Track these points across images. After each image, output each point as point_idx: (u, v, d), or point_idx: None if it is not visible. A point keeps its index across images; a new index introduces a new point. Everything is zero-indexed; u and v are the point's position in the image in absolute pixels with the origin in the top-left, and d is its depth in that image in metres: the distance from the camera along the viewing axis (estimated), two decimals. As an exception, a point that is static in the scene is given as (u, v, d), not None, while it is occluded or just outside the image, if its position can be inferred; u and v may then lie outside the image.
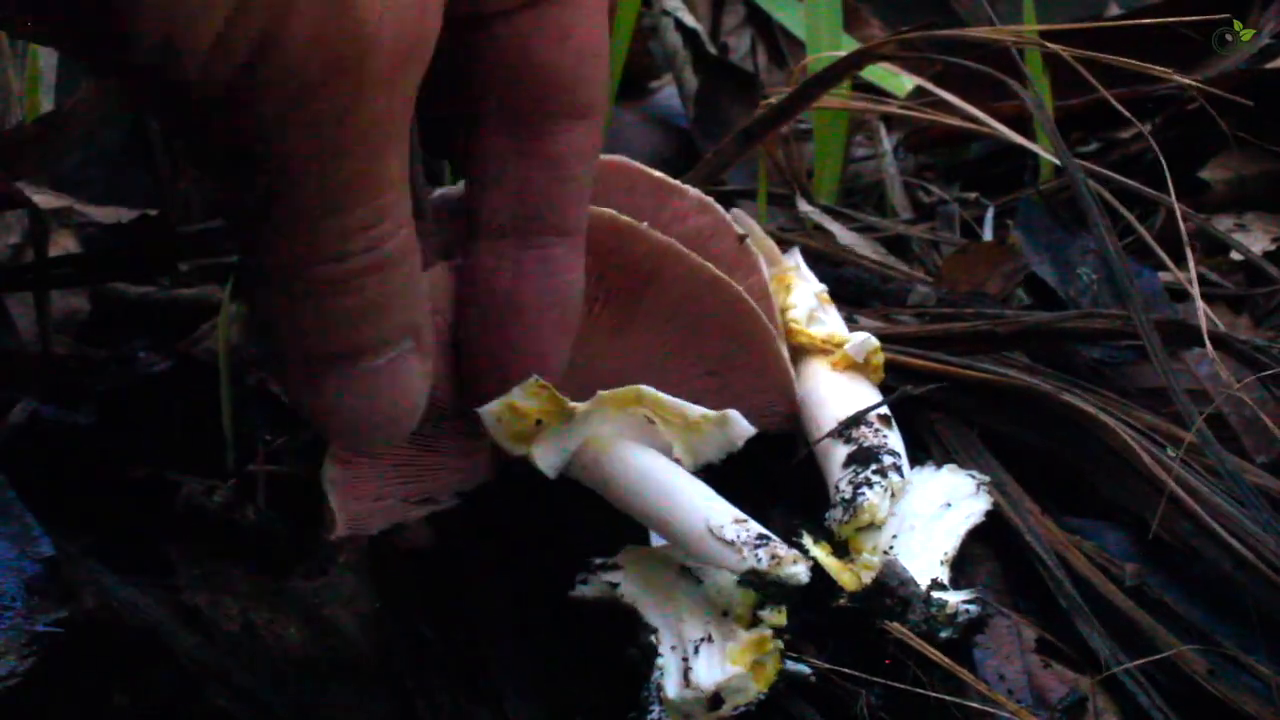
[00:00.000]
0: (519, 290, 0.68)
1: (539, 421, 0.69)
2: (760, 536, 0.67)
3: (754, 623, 0.66)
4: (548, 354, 0.69)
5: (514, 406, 0.68)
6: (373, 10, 0.53)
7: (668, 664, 0.66)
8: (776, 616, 0.66)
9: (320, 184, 0.56)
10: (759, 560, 0.66)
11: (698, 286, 0.75)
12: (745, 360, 0.80)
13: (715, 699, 0.65)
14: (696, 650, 0.66)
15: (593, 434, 0.71)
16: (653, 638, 0.66)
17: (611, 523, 0.74)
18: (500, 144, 0.67)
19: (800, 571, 0.66)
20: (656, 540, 0.73)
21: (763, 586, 0.66)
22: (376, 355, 0.61)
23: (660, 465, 0.71)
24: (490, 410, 0.68)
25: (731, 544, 0.67)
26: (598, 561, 0.71)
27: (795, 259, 0.89)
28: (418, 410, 0.64)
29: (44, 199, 0.98)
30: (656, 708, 0.66)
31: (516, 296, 0.68)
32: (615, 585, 0.70)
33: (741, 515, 0.69)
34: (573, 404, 0.69)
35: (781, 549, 0.67)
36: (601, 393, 0.70)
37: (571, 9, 0.66)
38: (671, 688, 0.66)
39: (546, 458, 0.70)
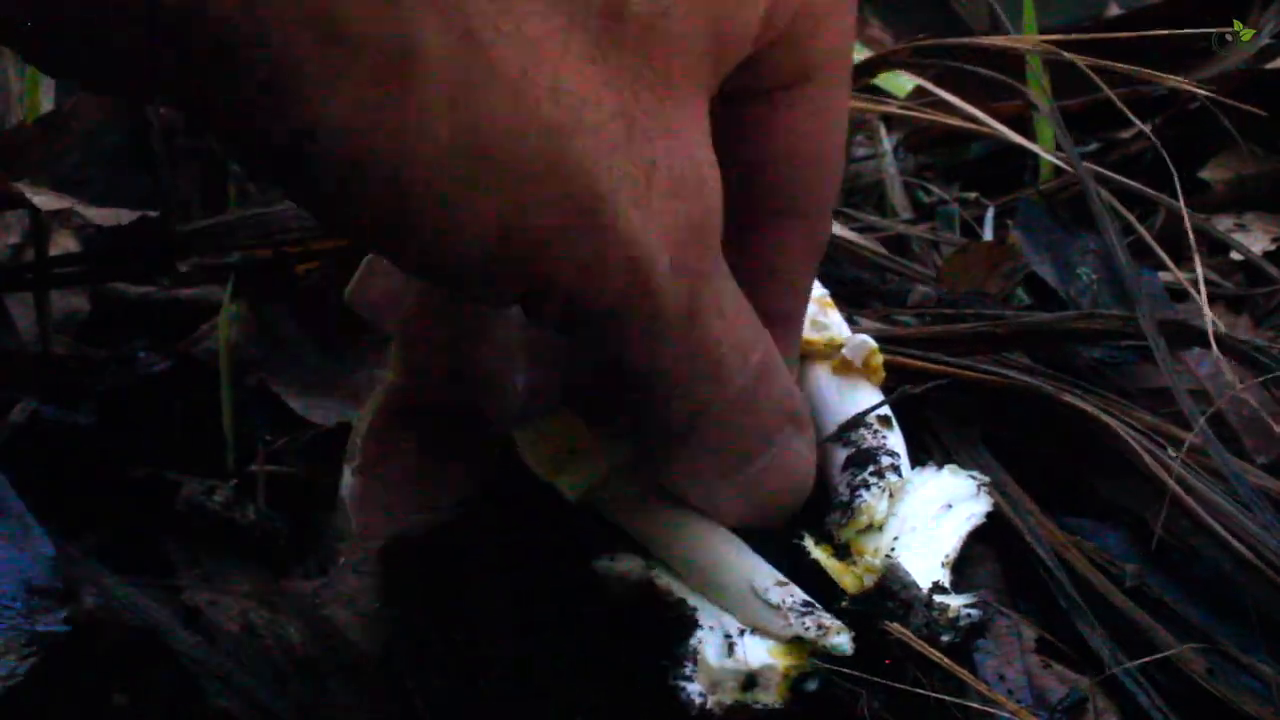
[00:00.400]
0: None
1: (572, 450, 0.70)
2: (805, 604, 0.68)
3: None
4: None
5: (546, 435, 0.70)
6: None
7: (709, 636, 0.66)
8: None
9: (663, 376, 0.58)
10: (805, 629, 0.67)
11: None
12: None
13: (750, 680, 0.65)
14: (741, 633, 0.67)
15: (623, 468, 0.71)
16: (695, 614, 0.66)
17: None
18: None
19: (844, 642, 0.67)
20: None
21: (809, 653, 0.67)
22: (766, 453, 0.65)
23: (696, 515, 0.70)
24: (524, 435, 0.71)
25: (777, 608, 0.67)
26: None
27: (796, 261, 0.89)
28: (811, 479, 0.69)
29: (44, 199, 0.98)
30: (690, 665, 0.65)
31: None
32: (651, 566, 0.69)
33: (783, 578, 0.69)
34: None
35: (826, 619, 0.67)
36: None
37: (833, 91, 0.64)
38: (712, 654, 0.65)
39: (576, 488, 0.71)
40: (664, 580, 0.68)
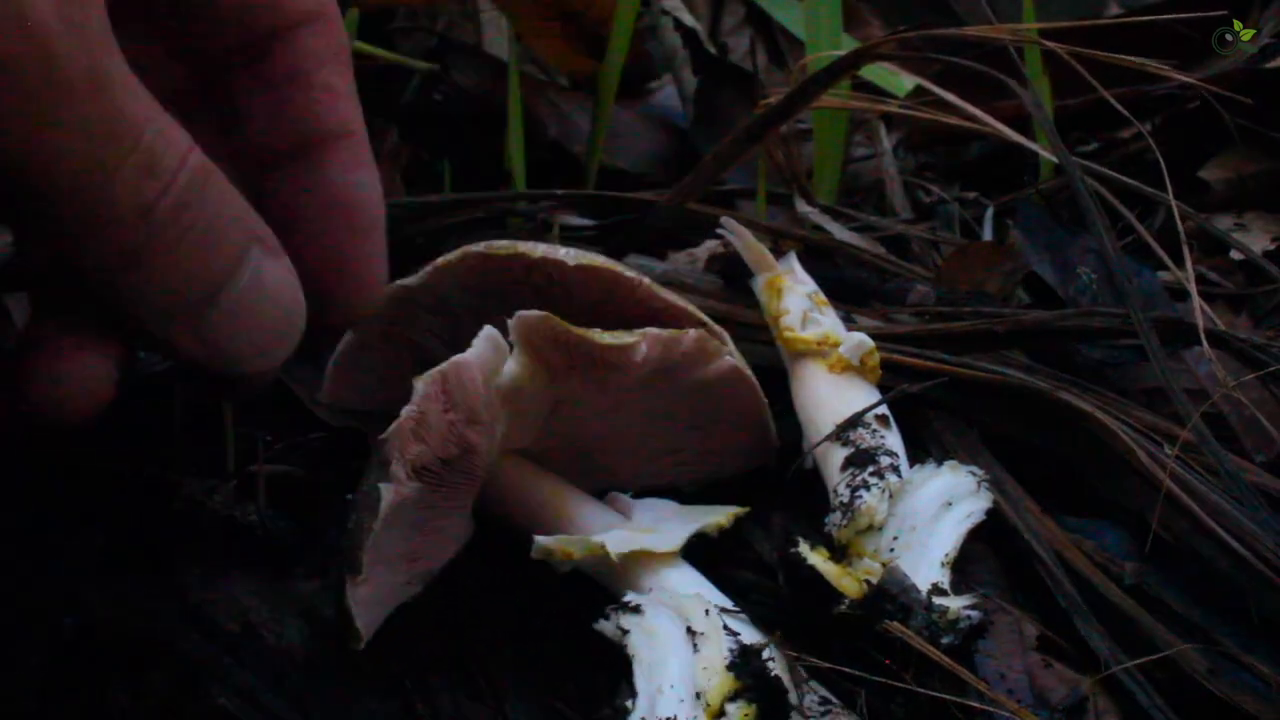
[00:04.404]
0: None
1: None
2: (823, 700, 0.70)
3: (719, 714, 0.67)
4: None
5: (556, 550, 0.74)
6: None
7: (641, 695, 0.68)
8: (742, 715, 0.67)
9: (64, 157, 0.54)
10: None
11: (689, 355, 0.78)
12: (728, 417, 0.84)
13: None
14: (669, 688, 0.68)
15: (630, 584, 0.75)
16: (629, 703, 0.68)
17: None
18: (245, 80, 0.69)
19: None
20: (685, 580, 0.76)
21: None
22: (235, 278, 0.61)
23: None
24: (542, 545, 0.74)
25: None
26: (627, 598, 0.73)
27: (790, 263, 0.89)
28: (302, 306, 0.65)
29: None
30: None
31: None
32: (626, 632, 0.71)
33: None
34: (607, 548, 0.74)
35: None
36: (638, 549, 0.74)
37: None
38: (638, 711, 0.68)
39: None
40: (631, 649, 0.70)
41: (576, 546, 0.74)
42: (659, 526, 0.77)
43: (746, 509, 0.81)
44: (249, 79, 0.69)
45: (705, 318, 0.81)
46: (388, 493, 0.69)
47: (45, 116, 0.53)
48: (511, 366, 0.72)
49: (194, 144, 0.59)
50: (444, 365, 0.70)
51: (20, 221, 0.59)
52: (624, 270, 0.78)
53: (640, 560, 0.74)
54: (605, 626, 0.72)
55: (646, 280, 0.78)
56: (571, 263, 0.76)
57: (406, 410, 0.69)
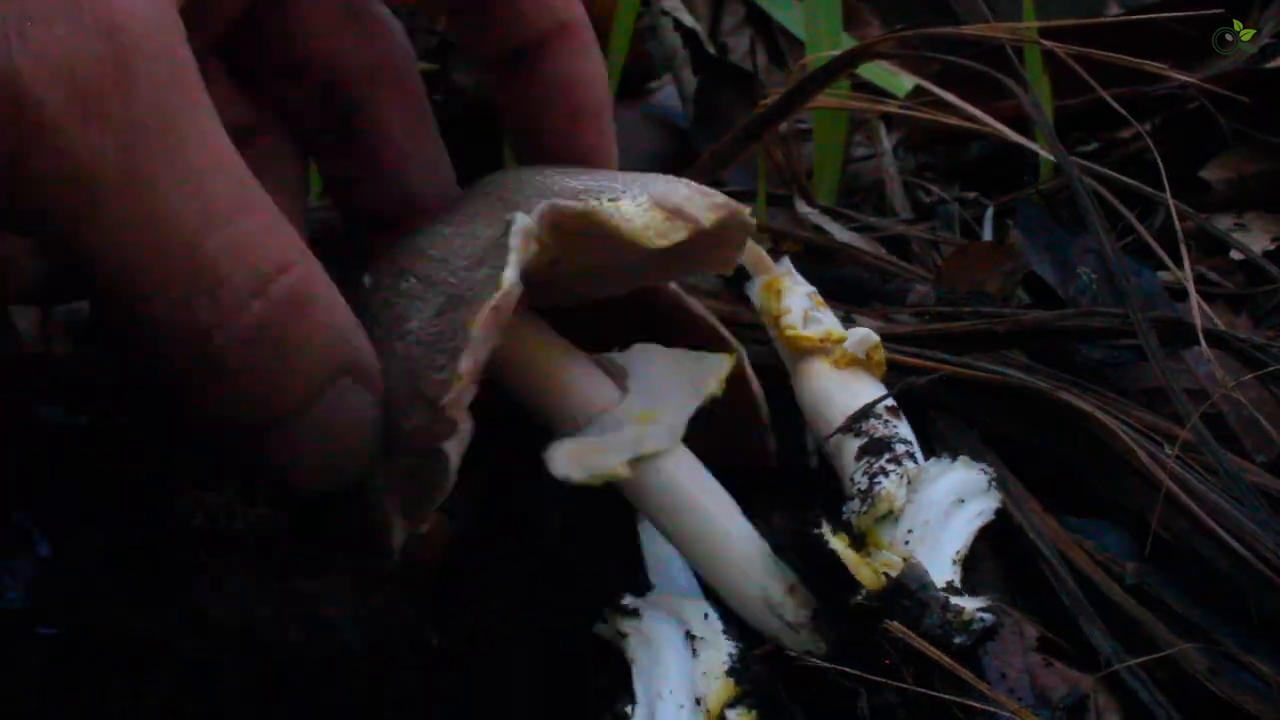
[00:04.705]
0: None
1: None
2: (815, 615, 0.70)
3: (719, 718, 0.67)
4: None
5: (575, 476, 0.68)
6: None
7: (640, 703, 0.68)
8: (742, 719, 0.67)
9: (108, 258, 0.49)
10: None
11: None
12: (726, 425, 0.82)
13: None
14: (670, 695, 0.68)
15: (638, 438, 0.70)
16: (628, 709, 0.68)
17: (617, 530, 0.75)
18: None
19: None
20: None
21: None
22: (310, 408, 0.56)
23: (715, 502, 0.72)
24: (563, 473, 0.68)
25: (790, 625, 0.69)
26: (625, 601, 0.73)
27: (786, 266, 0.89)
28: (370, 442, 0.59)
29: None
30: None
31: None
32: (625, 636, 0.71)
33: (793, 580, 0.70)
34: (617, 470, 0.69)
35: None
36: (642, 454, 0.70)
37: None
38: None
39: (580, 460, 0.69)
40: (630, 653, 0.70)
41: (594, 473, 0.68)
42: (656, 405, 0.73)
43: (736, 354, 0.78)
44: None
45: (725, 332, 0.81)
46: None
47: (82, 211, 0.48)
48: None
49: (296, 255, 0.53)
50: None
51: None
52: None
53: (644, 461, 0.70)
54: (603, 630, 0.72)
55: (673, 285, 0.78)
56: None
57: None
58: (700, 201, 0.68)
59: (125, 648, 0.74)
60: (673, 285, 0.78)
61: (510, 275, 0.60)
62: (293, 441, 0.56)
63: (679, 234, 0.66)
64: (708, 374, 0.74)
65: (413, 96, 0.72)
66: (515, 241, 0.61)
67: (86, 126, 0.47)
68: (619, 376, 0.73)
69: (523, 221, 0.62)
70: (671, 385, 0.74)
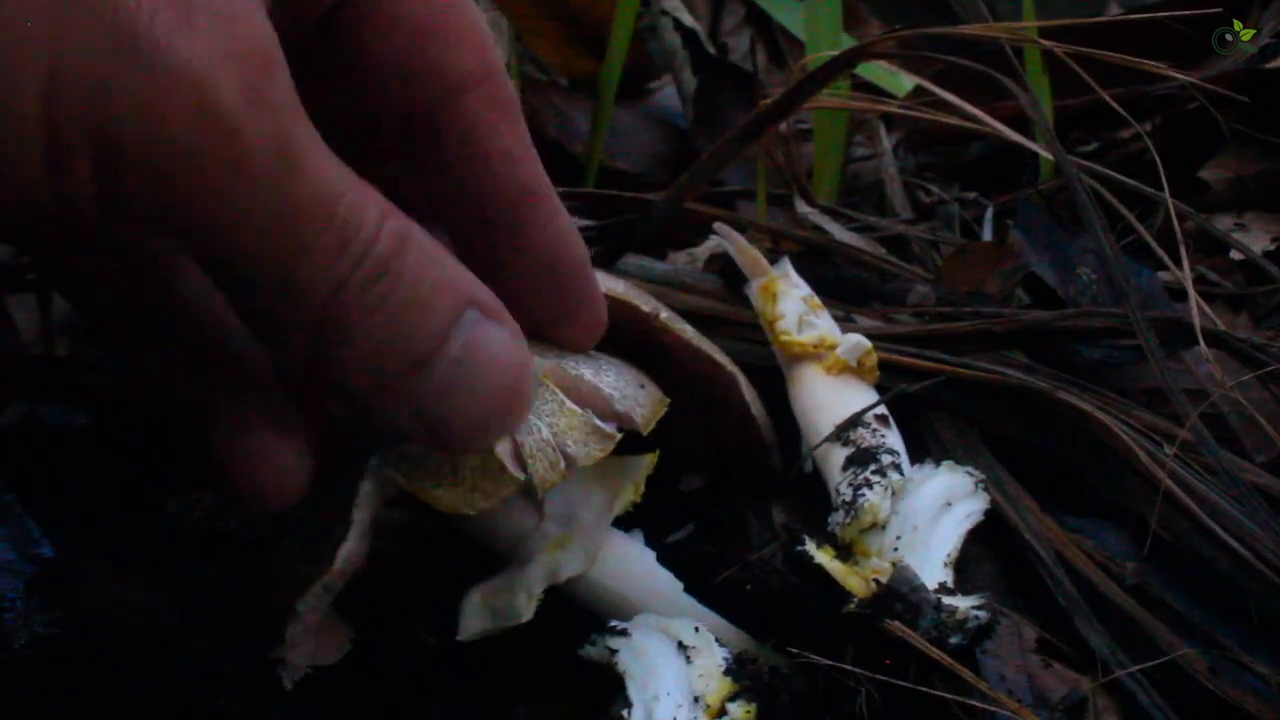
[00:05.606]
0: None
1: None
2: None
3: (721, 713, 0.67)
4: None
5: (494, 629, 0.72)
6: (180, 53, 0.49)
7: (636, 708, 0.68)
8: (744, 713, 0.67)
9: (255, 241, 0.53)
10: None
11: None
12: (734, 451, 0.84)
13: None
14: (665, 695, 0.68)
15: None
16: (625, 713, 0.68)
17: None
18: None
19: None
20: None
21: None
22: (447, 346, 0.59)
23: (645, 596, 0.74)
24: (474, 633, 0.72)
25: None
26: (612, 624, 0.73)
27: (784, 268, 0.89)
28: (529, 373, 0.62)
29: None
30: None
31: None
32: (614, 652, 0.71)
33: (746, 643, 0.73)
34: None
35: None
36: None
37: None
38: None
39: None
40: (621, 667, 0.70)
41: (500, 621, 0.72)
42: (572, 526, 0.74)
43: (655, 455, 0.76)
44: (420, 156, 0.67)
45: (720, 358, 0.80)
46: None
47: (234, 203, 0.52)
48: None
49: (390, 207, 0.57)
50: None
51: (224, 292, 0.57)
52: (642, 303, 0.76)
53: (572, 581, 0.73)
54: (591, 652, 0.72)
55: (664, 314, 0.77)
56: None
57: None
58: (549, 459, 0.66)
59: (125, 648, 0.74)
60: (663, 314, 0.76)
61: (344, 552, 0.64)
62: (439, 386, 0.59)
63: (502, 494, 0.66)
64: (625, 481, 0.75)
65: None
66: (357, 515, 0.65)
67: (251, 110, 0.51)
68: (535, 498, 0.73)
69: (364, 493, 0.65)
70: (587, 504, 0.74)
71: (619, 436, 0.69)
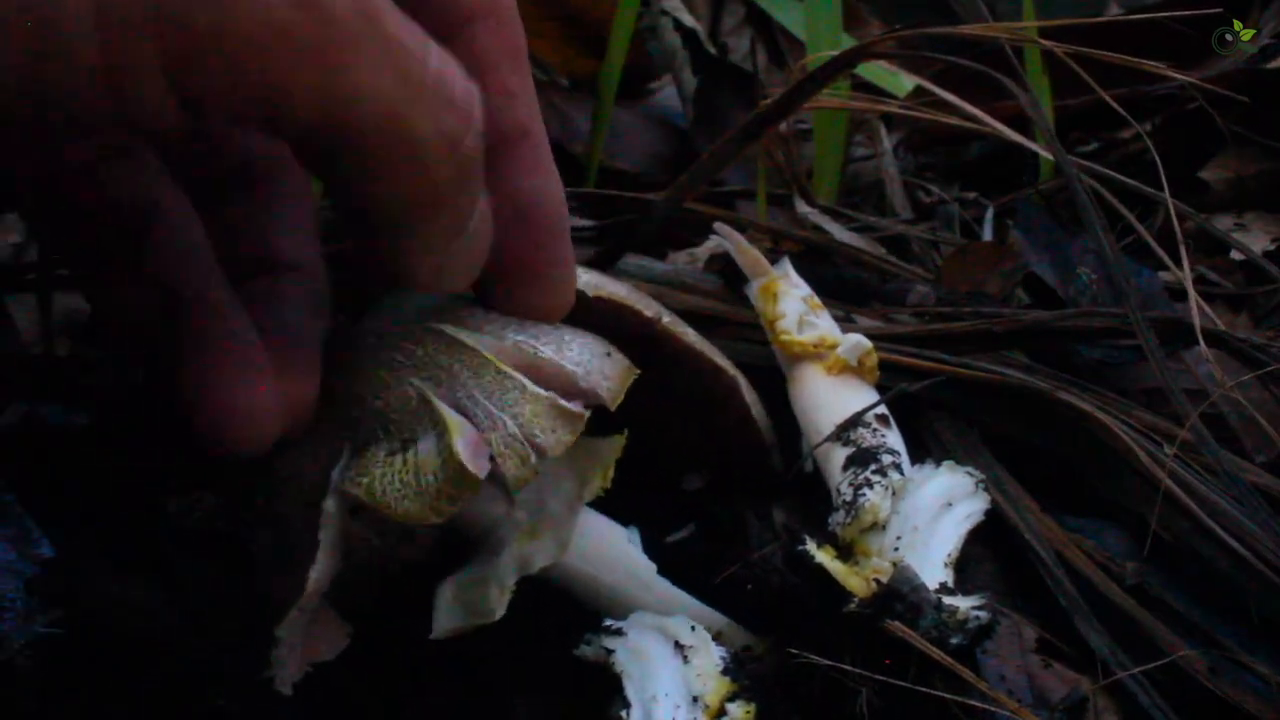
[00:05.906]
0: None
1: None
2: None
3: (720, 713, 0.67)
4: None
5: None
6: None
7: (635, 708, 0.68)
8: (744, 713, 0.67)
9: (359, 98, 0.54)
10: None
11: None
12: (734, 453, 0.84)
13: None
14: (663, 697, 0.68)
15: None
16: (624, 714, 0.68)
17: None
18: None
19: None
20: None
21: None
22: (476, 211, 0.62)
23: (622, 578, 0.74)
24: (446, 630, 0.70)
25: None
26: (607, 623, 0.73)
27: (785, 268, 0.89)
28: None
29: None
30: None
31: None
32: (611, 651, 0.71)
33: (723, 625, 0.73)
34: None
35: None
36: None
37: None
38: None
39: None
40: (618, 667, 0.70)
41: (473, 619, 0.71)
42: (541, 515, 0.72)
43: (624, 436, 0.74)
44: None
45: (722, 362, 0.79)
46: None
47: (330, 62, 0.53)
48: None
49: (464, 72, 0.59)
50: None
51: (327, 168, 0.58)
52: (644, 307, 0.75)
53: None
54: (586, 652, 0.72)
55: (666, 318, 0.76)
56: (590, 294, 0.72)
57: None
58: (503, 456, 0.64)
59: (125, 648, 0.74)
60: (665, 319, 0.75)
61: (314, 574, 0.63)
62: (469, 244, 0.63)
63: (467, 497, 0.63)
64: (595, 464, 0.72)
65: None
66: (324, 535, 0.64)
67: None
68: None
69: (328, 511, 0.64)
70: (555, 492, 0.72)
71: (586, 415, 0.66)
